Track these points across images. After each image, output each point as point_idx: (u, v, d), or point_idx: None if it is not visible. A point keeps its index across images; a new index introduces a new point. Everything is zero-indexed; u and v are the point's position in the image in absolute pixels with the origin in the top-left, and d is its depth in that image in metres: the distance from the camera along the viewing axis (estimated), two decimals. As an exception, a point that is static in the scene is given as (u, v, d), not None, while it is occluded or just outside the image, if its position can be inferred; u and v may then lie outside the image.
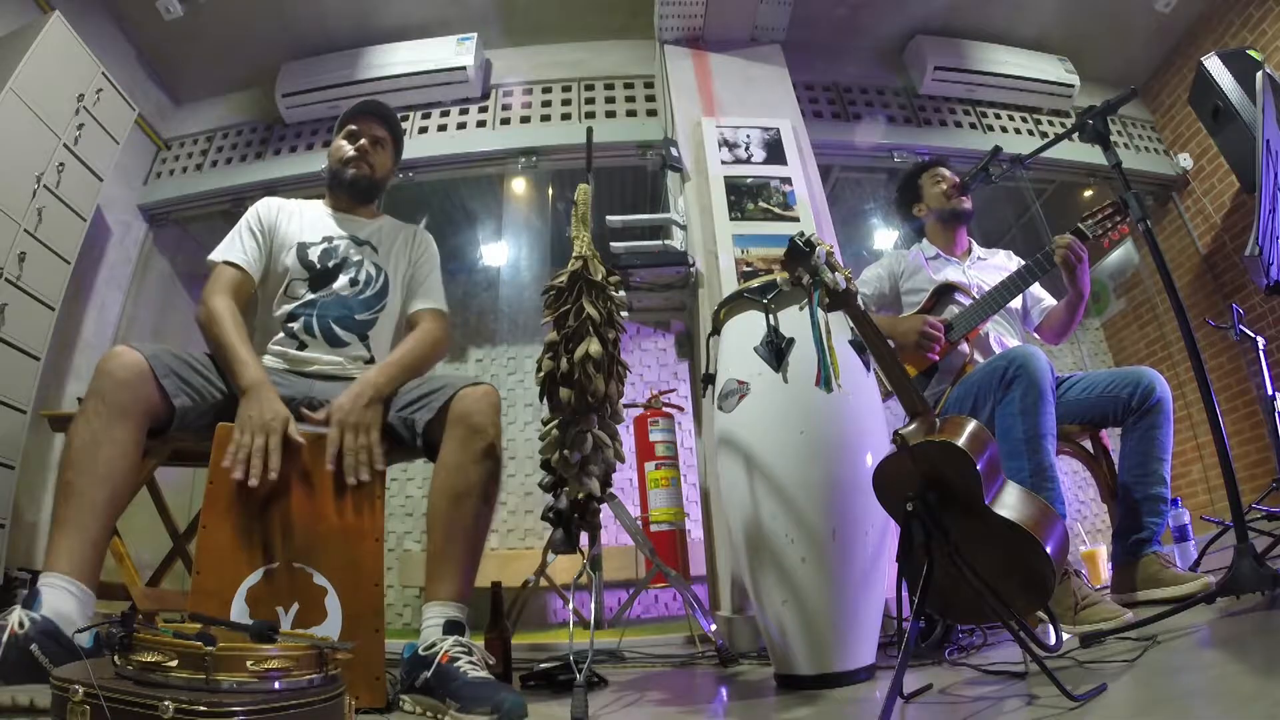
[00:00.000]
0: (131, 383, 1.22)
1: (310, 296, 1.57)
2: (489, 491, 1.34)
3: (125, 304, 3.36)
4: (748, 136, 2.82)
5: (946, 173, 2.23)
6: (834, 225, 2.80)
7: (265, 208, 1.67)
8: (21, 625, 1.00)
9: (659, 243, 2.57)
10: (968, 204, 2.17)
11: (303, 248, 1.61)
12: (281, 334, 1.55)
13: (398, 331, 1.67)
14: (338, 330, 1.56)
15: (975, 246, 2.24)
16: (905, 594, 1.08)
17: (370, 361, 1.58)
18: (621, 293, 1.47)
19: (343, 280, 1.60)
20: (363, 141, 1.72)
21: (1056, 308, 2.08)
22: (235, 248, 1.57)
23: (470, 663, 1.16)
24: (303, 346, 1.54)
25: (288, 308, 1.56)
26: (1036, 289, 2.13)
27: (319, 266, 1.60)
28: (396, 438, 1.41)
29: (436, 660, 1.16)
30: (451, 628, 1.23)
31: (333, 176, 1.72)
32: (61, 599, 1.07)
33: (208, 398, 1.33)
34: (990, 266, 2.15)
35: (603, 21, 3.56)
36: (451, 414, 1.35)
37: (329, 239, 1.65)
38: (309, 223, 1.67)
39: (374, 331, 1.61)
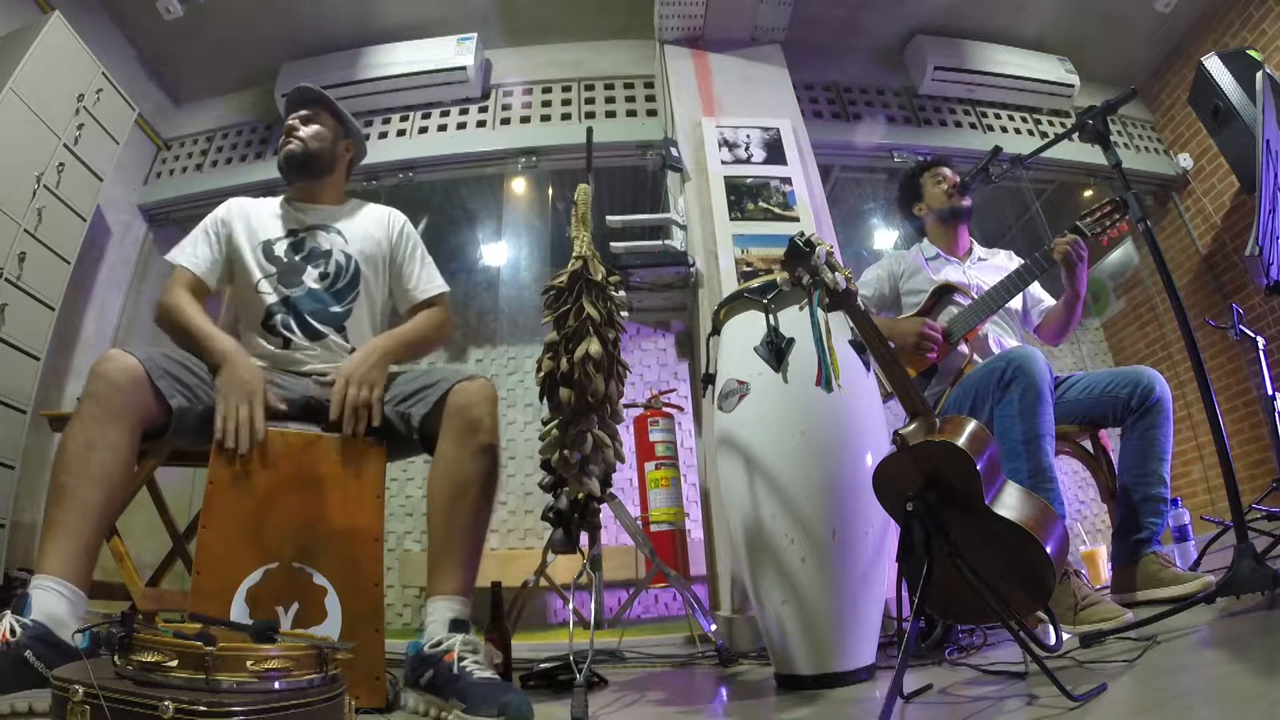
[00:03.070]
0: (126, 386, 1.22)
1: (285, 293, 1.55)
2: (487, 485, 1.34)
3: (125, 304, 3.36)
4: (748, 136, 2.82)
5: (947, 172, 2.23)
6: (834, 225, 2.80)
7: (225, 210, 1.64)
8: (13, 632, 0.99)
9: (659, 243, 2.56)
10: (967, 203, 2.17)
11: (268, 245, 1.59)
12: (262, 332, 1.54)
13: (375, 322, 1.65)
14: (314, 324, 1.54)
15: (976, 246, 2.24)
16: (905, 594, 1.08)
17: (352, 353, 1.56)
18: (621, 293, 1.47)
19: (312, 274, 1.58)
20: (289, 122, 1.72)
21: (1055, 308, 2.08)
22: (187, 251, 1.56)
23: (476, 662, 1.17)
24: (286, 344, 1.52)
25: (263, 306, 1.54)
26: (1036, 289, 2.13)
27: (285, 261, 1.58)
28: (394, 433, 1.41)
29: (443, 659, 1.16)
30: (456, 625, 1.23)
31: (279, 170, 1.70)
32: (52, 601, 1.07)
33: (204, 398, 1.33)
34: (990, 267, 2.15)
35: (603, 21, 3.55)
36: (448, 407, 1.35)
37: (293, 232, 1.62)
38: (271, 219, 1.65)
39: (350, 323, 1.58)
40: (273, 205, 1.69)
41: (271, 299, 1.54)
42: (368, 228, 1.68)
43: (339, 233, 1.65)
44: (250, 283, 1.56)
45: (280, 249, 1.60)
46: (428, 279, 1.69)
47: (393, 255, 1.69)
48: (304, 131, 1.69)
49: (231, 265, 1.60)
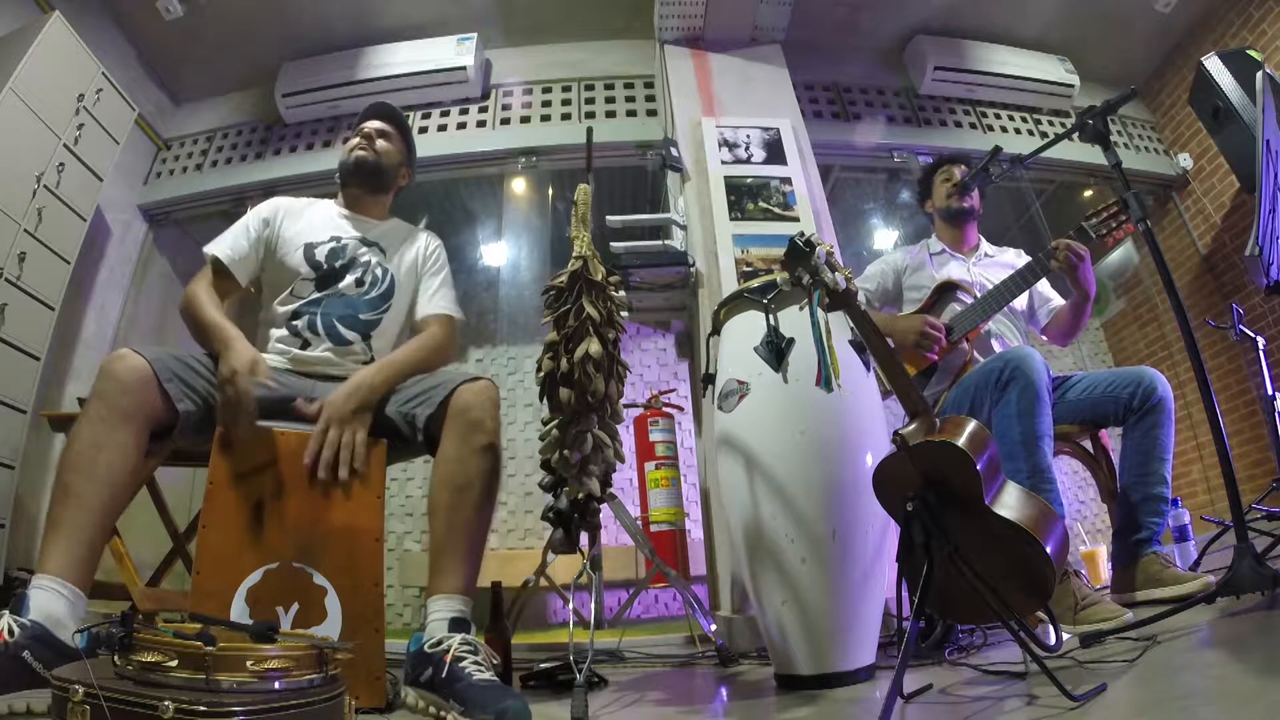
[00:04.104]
0: (135, 387, 1.22)
1: (315, 295, 1.57)
2: (489, 485, 1.34)
3: (125, 304, 3.35)
4: (748, 136, 2.82)
5: (956, 171, 2.23)
6: (834, 225, 2.80)
7: (270, 209, 1.67)
8: (11, 632, 0.99)
9: (659, 243, 2.57)
10: (967, 204, 2.17)
11: (310, 247, 1.61)
12: (285, 331, 1.55)
13: (402, 335, 1.67)
14: (341, 329, 1.56)
15: (984, 244, 2.24)
16: (905, 594, 1.08)
17: (369, 363, 1.57)
18: (621, 293, 1.47)
19: (349, 280, 1.60)
20: (367, 129, 1.75)
21: (1063, 308, 2.07)
22: (224, 243, 1.58)
23: (476, 664, 1.17)
24: (306, 345, 1.54)
25: (292, 306, 1.56)
26: (1045, 288, 2.13)
27: (325, 266, 1.60)
28: (397, 433, 1.41)
29: (442, 659, 1.16)
30: (457, 625, 1.23)
31: (341, 169, 1.74)
32: (50, 601, 1.06)
33: (210, 401, 1.33)
34: (997, 264, 2.15)
35: (603, 21, 3.56)
36: (451, 408, 1.35)
37: (337, 239, 1.64)
38: (317, 222, 1.67)
39: (377, 332, 1.60)
40: (322, 209, 1.72)
41: (303, 300, 1.56)
42: (407, 246, 1.72)
43: (379, 247, 1.68)
44: (287, 281, 1.58)
45: (322, 253, 1.61)
46: (441, 298, 1.70)
47: (421, 270, 1.72)
48: (380, 144, 1.74)
49: (268, 263, 1.62)
